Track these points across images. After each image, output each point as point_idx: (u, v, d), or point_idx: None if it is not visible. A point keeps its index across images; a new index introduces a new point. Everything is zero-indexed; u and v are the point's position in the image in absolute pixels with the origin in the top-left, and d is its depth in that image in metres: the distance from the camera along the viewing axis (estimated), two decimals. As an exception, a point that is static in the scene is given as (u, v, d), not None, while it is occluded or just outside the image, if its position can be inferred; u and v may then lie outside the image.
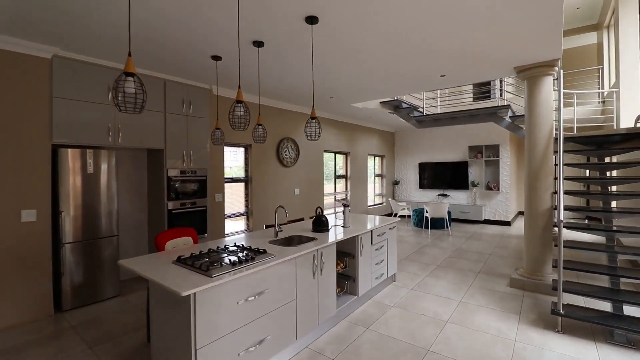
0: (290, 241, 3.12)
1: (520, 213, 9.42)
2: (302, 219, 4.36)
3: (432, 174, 9.25)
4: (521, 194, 9.45)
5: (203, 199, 4.47)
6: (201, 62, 3.67)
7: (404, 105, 6.21)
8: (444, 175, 9.02)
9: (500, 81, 7.60)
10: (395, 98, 6.33)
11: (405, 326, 3.04)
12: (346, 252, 3.45)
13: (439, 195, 9.15)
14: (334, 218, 4.29)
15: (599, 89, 7.13)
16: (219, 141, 3.57)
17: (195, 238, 2.99)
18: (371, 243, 3.60)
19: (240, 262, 2.16)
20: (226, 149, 5.07)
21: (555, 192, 3.91)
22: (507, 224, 8.15)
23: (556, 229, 3.16)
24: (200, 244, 2.83)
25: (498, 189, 8.20)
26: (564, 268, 2.97)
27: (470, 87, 7.93)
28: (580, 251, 3.29)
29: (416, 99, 7.20)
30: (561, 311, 2.90)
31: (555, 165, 3.90)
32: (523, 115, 5.55)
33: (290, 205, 6.14)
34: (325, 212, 7.44)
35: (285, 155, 5.98)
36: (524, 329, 2.96)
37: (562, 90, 3.27)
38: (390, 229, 4.04)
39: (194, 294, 1.78)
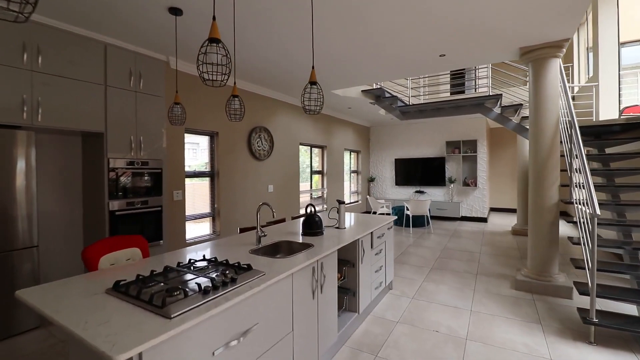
0: (278, 249, 2.42)
1: (493, 209, 9.45)
2: (283, 220, 3.65)
3: (408, 170, 8.95)
4: (495, 190, 9.50)
5: (157, 198, 3.58)
6: (154, 17, 2.82)
7: (387, 95, 5.73)
8: (420, 172, 8.76)
9: (475, 72, 7.46)
10: (379, 86, 5.83)
11: (420, 348, 2.48)
12: (342, 259, 2.82)
13: (416, 192, 8.88)
14: (325, 218, 3.65)
15: (570, 83, 7.21)
16: (179, 120, 2.75)
17: (144, 249, 2.17)
18: (371, 247, 3.00)
19: (215, 287, 1.43)
20: (188, 137, 4.19)
21: (563, 185, 3.60)
22: (484, 220, 8.06)
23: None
24: (154, 257, 2.03)
25: (475, 185, 8.07)
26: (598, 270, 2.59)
27: (448, 78, 7.70)
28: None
29: (398, 91, 6.78)
30: (594, 319, 2.51)
31: (562, 156, 3.60)
32: (511, 106, 5.31)
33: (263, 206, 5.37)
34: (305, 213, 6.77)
35: (258, 146, 5.21)
36: (553, 343, 2.54)
37: (564, 76, 2.90)
38: (388, 229, 3.48)
39: (139, 354, 1.03)
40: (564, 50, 3.47)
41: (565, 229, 6.75)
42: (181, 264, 1.78)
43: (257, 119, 5.25)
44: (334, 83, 4.92)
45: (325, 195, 7.36)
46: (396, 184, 9.15)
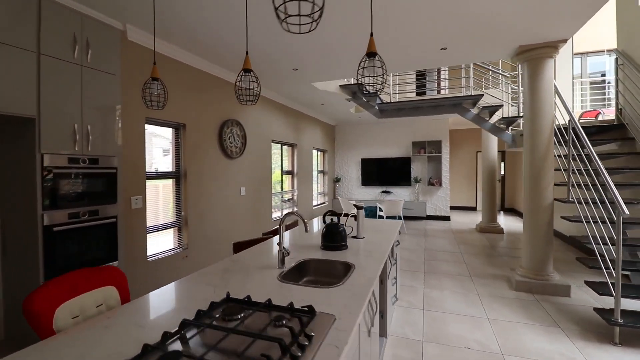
0: (307, 271, 1.90)
1: (453, 208, 9.85)
2: (272, 234, 3.09)
3: (374, 170, 8.86)
4: (455, 189, 9.91)
5: (111, 206, 2.75)
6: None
7: (366, 91, 5.44)
8: (387, 172, 8.72)
9: (439, 73, 7.63)
10: (355, 81, 5.51)
11: (463, 373, 2.17)
12: (366, 274, 2.38)
13: (383, 192, 8.82)
14: (316, 224, 3.19)
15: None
16: (158, 102, 2.05)
17: (123, 286, 1.48)
18: (394, 258, 2.63)
19: (294, 357, 0.89)
20: (149, 129, 3.35)
21: (559, 185, 3.64)
22: (447, 218, 8.31)
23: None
24: (138, 301, 1.37)
25: (440, 185, 8.28)
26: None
27: (414, 79, 7.74)
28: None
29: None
30: (620, 320, 2.47)
31: (558, 156, 3.64)
32: (485, 107, 5.41)
33: (236, 211, 4.68)
34: (278, 215, 6.12)
35: (230, 142, 4.50)
36: (583, 348, 2.44)
37: (554, 74, 2.89)
38: (399, 234, 3.15)
39: None
40: (559, 51, 3.50)
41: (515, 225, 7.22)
42: (204, 313, 1.18)
43: (229, 111, 4.54)
44: (321, 73, 4.46)
45: (295, 198, 6.84)
46: (362, 184, 9.00)
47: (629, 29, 3.85)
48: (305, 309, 1.19)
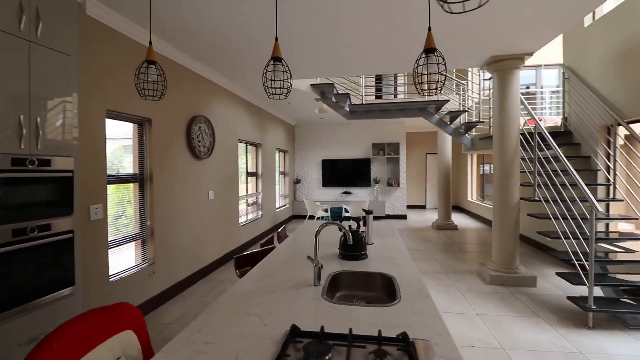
0: (341, 285, 1.72)
1: (409, 207, 10.34)
2: (267, 243, 2.83)
3: (335, 171, 8.88)
4: (409, 189, 10.41)
5: (65, 218, 2.21)
6: None
7: (337, 92, 5.38)
8: (347, 173, 8.81)
9: (395, 79, 7.95)
10: (330, 82, 5.42)
11: (478, 374, 2.20)
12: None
13: (343, 193, 8.88)
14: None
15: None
16: (156, 91, 1.67)
17: (142, 328, 1.14)
18: (401, 262, 2.57)
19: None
20: (110, 125, 2.79)
21: (524, 185, 3.98)
22: (405, 217, 8.70)
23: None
24: (172, 351, 1.06)
25: (398, 185, 8.62)
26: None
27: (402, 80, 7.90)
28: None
29: (350, 88, 6.51)
30: (593, 306, 2.76)
31: (523, 159, 3.97)
32: (449, 112, 5.75)
33: (205, 218, 4.22)
34: (244, 220, 5.69)
35: (199, 141, 4.03)
36: (566, 335, 2.68)
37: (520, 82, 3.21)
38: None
39: None
40: (525, 63, 3.83)
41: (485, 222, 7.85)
42: (280, 357, 0.94)
43: (198, 106, 4.07)
44: (301, 70, 4.24)
45: (260, 201, 6.48)
46: (323, 185, 8.95)
47: (574, 47, 4.41)
48: (399, 336, 1.03)
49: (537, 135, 3.73)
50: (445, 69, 1.48)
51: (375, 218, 8.59)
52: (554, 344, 2.55)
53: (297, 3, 2.55)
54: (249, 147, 6.09)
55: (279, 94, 1.60)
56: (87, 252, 2.49)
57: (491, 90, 5.02)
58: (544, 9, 2.68)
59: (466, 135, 5.62)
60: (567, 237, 3.14)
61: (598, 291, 3.28)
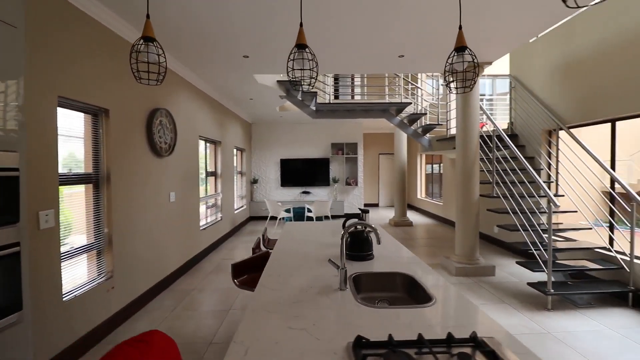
0: (364, 286, 1.65)
1: (364, 205, 10.63)
2: (258, 248, 2.65)
3: (294, 170, 8.75)
4: (365, 187, 10.69)
5: (8, 228, 1.78)
6: None
7: (305, 90, 5.28)
8: (306, 172, 8.74)
9: (352, 80, 8.15)
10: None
11: None
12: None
13: (302, 192, 8.80)
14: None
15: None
16: (156, 75, 1.41)
17: (177, 358, 0.94)
18: (394, 260, 2.58)
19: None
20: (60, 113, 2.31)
21: (483, 183, 4.33)
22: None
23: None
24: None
25: (356, 184, 8.82)
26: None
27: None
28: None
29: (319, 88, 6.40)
30: (552, 290, 3.11)
31: (482, 159, 4.32)
32: (410, 115, 6.03)
33: (167, 223, 3.79)
34: (204, 223, 5.21)
35: (160, 137, 3.61)
36: (532, 317, 2.97)
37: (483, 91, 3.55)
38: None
39: None
40: (484, 71, 4.18)
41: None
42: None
43: (159, 98, 3.64)
44: (261, 65, 4.05)
45: (219, 202, 6.08)
46: (282, 185, 8.76)
47: (520, 59, 4.96)
48: (471, 336, 1.00)
49: (495, 138, 4.09)
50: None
51: (334, 217, 8.68)
52: (525, 326, 2.81)
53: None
54: (208, 144, 5.67)
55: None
56: (37, 269, 2.04)
57: (448, 95, 5.39)
58: (501, 26, 2.96)
59: (424, 136, 5.97)
60: (525, 229, 3.49)
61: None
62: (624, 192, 3.30)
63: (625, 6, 3.38)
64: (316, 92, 5.54)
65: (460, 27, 1.52)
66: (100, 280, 2.72)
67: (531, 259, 3.77)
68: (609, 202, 3.64)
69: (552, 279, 3.17)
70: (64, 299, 2.28)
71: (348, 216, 2.46)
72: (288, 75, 1.60)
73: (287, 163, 8.73)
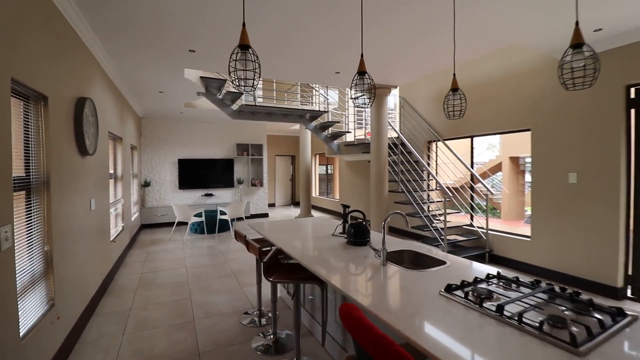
0: (403, 262, 2.09)
1: (270, 205, 10.74)
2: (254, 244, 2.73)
3: (194, 172, 8.15)
4: (271, 188, 10.80)
5: None
6: None
7: (230, 90, 5.17)
8: (209, 174, 8.29)
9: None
10: (221, 77, 5.14)
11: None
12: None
13: (204, 195, 8.29)
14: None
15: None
16: (252, 82, 1.45)
17: None
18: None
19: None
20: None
21: (390, 181, 5.42)
22: (266, 215, 9.16)
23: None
24: None
25: (261, 185, 8.95)
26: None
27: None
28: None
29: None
30: (446, 257, 4.34)
31: (391, 164, 5.41)
32: (322, 123, 6.73)
33: (88, 234, 3.15)
34: (113, 234, 4.26)
35: (86, 132, 2.99)
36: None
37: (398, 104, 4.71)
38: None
39: None
40: (391, 92, 5.25)
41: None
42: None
43: (83, 86, 3.00)
44: (206, 61, 3.90)
45: (121, 210, 5.19)
46: (180, 188, 8.02)
47: (407, 85, 6.36)
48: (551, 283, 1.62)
49: (400, 145, 5.22)
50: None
51: (240, 219, 8.59)
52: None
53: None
54: (109, 142, 4.78)
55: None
56: None
57: (355, 108, 6.36)
58: (407, 63, 3.98)
59: (334, 142, 6.80)
60: (419, 216, 4.67)
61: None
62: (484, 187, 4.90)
63: (485, 59, 4.95)
64: (242, 93, 5.51)
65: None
66: (43, 309, 2.16)
67: (424, 240, 5.02)
68: (470, 192, 5.28)
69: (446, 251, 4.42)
70: (22, 341, 1.77)
71: (345, 207, 2.83)
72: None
73: (186, 164, 8.06)
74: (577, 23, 1.57)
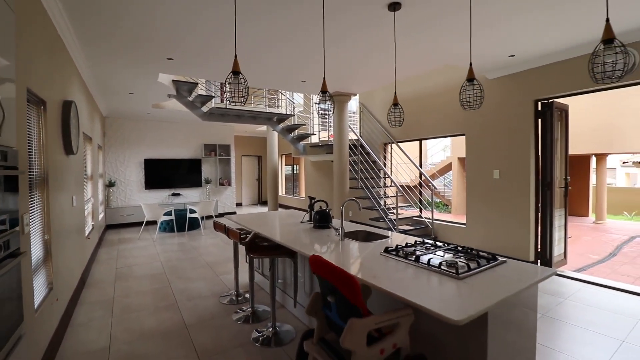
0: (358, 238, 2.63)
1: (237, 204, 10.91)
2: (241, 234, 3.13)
3: (161, 172, 8.20)
4: (238, 188, 10.97)
5: (7, 235, 1.72)
6: None
7: (202, 93, 5.44)
8: (176, 174, 8.39)
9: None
10: (194, 81, 5.41)
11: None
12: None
13: (172, 194, 8.37)
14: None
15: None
16: (240, 99, 1.90)
17: None
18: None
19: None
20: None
21: (351, 178, 6.04)
22: (234, 213, 9.40)
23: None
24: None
25: (229, 184, 9.19)
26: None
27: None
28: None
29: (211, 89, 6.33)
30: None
31: (351, 164, 6.04)
32: (289, 126, 7.20)
33: (70, 229, 3.35)
34: (88, 231, 4.29)
35: (72, 133, 3.20)
36: (391, 261, 4.75)
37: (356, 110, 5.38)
38: (305, 219, 4.10)
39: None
40: (351, 99, 5.87)
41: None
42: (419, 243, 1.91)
43: (67, 88, 3.21)
44: (183, 68, 4.22)
45: (91, 210, 5.26)
46: (146, 188, 8.04)
47: (366, 93, 7.04)
48: (486, 254, 2.23)
49: (359, 146, 5.85)
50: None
51: (210, 217, 8.78)
52: (390, 266, 4.52)
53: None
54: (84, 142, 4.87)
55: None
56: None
57: (319, 112, 6.92)
58: (364, 74, 4.60)
59: (300, 143, 7.30)
60: (380, 207, 5.33)
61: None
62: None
63: (432, 73, 5.70)
64: (213, 96, 5.81)
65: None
66: (46, 291, 2.43)
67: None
68: (419, 188, 6.05)
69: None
70: (35, 311, 2.07)
71: (311, 199, 3.32)
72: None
73: (152, 164, 8.09)
74: (607, 20, 1.57)
